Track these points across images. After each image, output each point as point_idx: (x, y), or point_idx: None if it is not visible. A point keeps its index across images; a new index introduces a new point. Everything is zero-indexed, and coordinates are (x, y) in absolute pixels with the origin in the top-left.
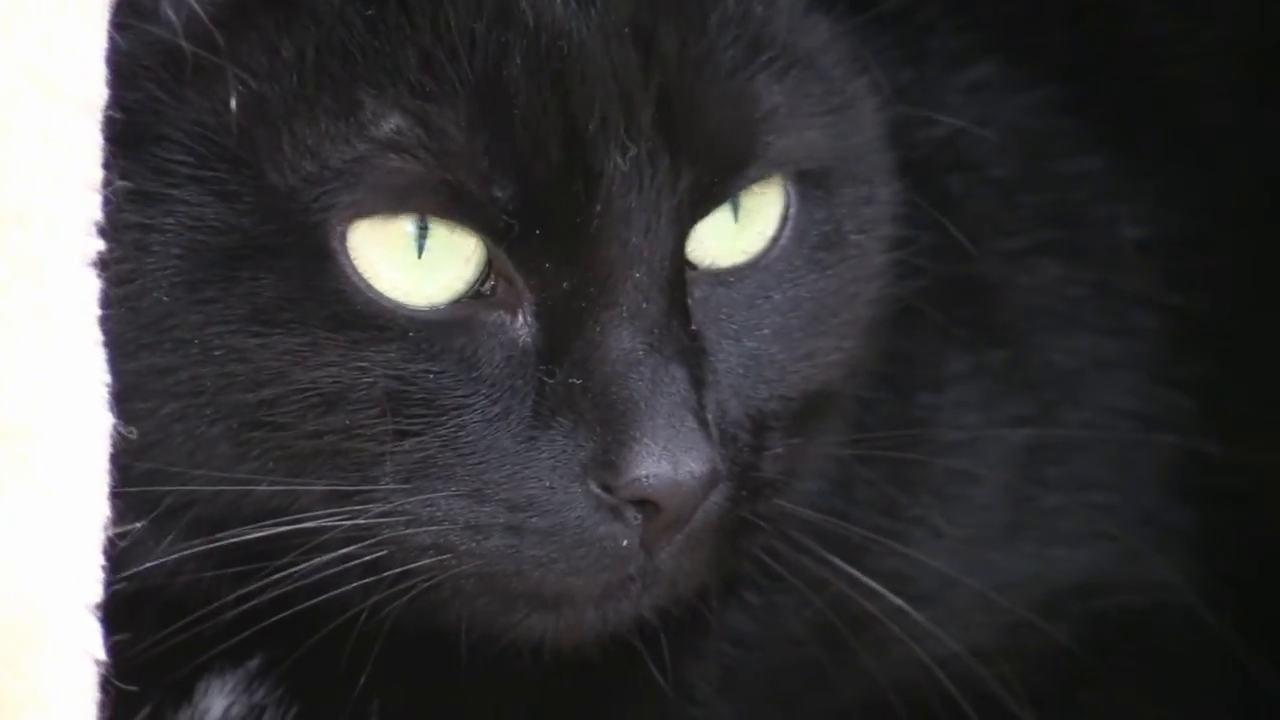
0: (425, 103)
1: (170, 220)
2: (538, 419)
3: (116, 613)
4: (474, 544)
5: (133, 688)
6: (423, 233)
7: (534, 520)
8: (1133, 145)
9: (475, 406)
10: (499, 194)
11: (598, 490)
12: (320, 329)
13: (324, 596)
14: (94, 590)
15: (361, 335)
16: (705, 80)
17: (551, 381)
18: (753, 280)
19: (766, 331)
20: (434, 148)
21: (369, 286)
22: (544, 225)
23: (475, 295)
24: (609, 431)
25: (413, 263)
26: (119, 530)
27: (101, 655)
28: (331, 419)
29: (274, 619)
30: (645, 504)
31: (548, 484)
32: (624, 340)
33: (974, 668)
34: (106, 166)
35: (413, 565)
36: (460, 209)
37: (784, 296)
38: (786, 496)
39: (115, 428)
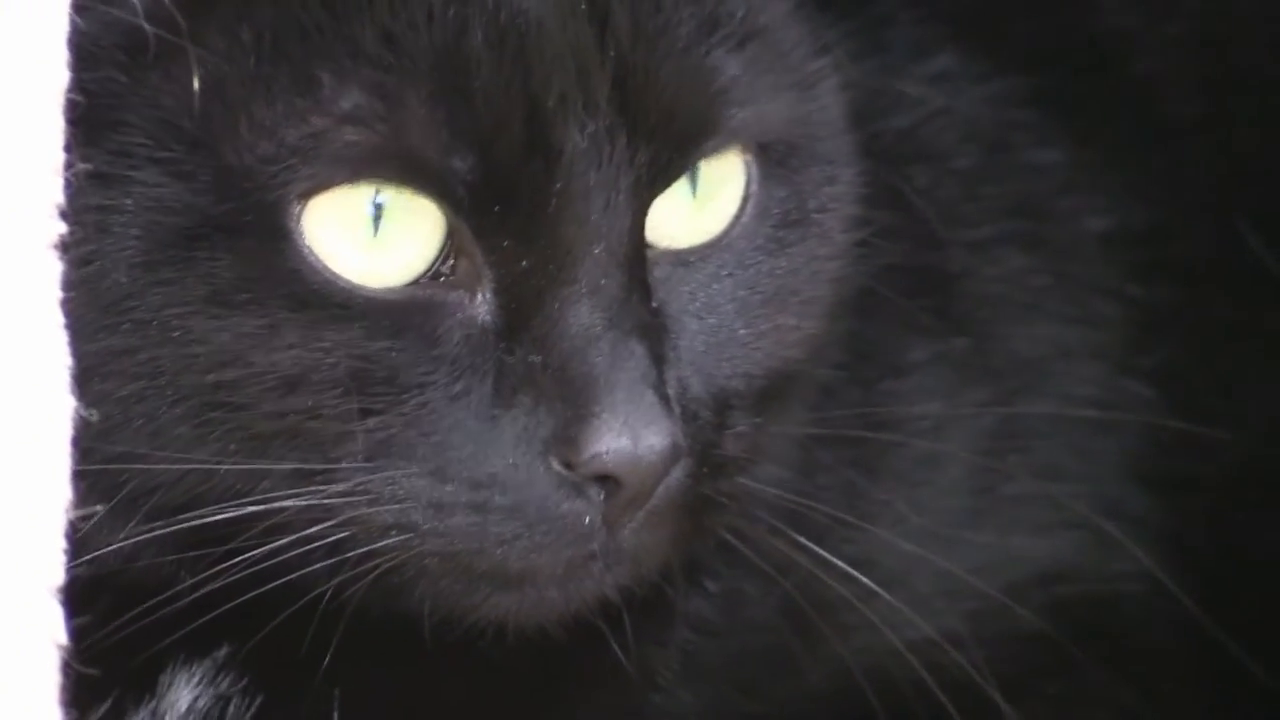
0: (384, 75)
1: (129, 202)
2: (499, 397)
3: (77, 596)
4: (437, 522)
5: (93, 671)
6: (378, 211)
7: (497, 498)
8: (1095, 137)
9: (437, 385)
10: (459, 165)
11: (559, 467)
12: (279, 310)
13: (288, 578)
14: (56, 573)
15: (321, 315)
16: (660, 55)
17: (511, 359)
18: (715, 259)
19: (729, 309)
20: (393, 119)
21: (325, 268)
22: (504, 200)
23: (435, 275)
24: (569, 408)
25: (369, 241)
26: (81, 513)
27: (63, 639)
28: (293, 400)
29: (239, 607)
30: (607, 480)
31: (510, 461)
32: (583, 316)
33: (945, 651)
34: (67, 149)
35: (376, 545)
36: (419, 177)
37: (746, 274)
38: (751, 476)
39: (76, 410)
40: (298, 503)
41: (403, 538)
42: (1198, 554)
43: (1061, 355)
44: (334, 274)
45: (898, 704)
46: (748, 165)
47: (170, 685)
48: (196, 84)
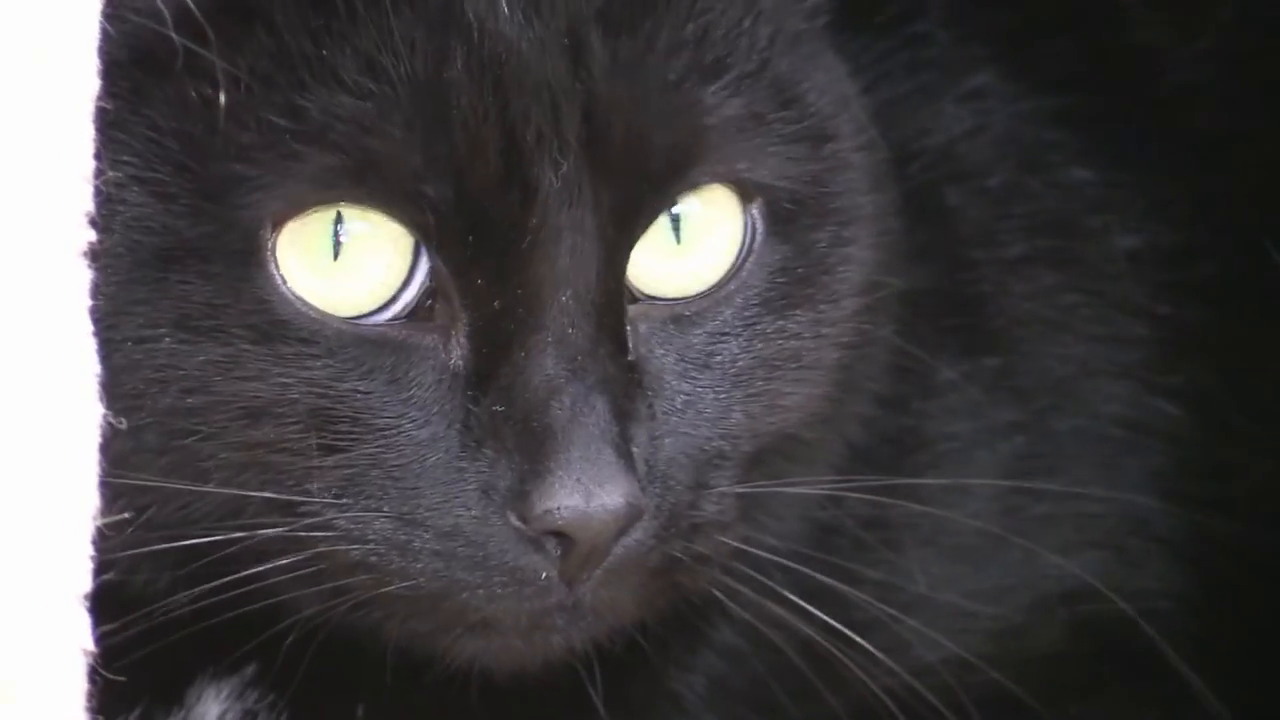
0: (364, 102)
1: (116, 220)
2: (464, 448)
3: (103, 603)
4: (403, 564)
5: (120, 678)
6: (337, 228)
7: (460, 548)
8: (1125, 155)
9: (403, 429)
10: (431, 192)
11: (516, 521)
12: (242, 340)
13: (273, 600)
14: (83, 580)
15: (286, 350)
16: (638, 91)
17: (477, 409)
18: (711, 315)
19: (718, 370)
20: (368, 144)
21: (295, 296)
22: (478, 233)
23: (413, 314)
24: (526, 462)
25: (330, 265)
26: (108, 520)
27: (90, 646)
28: (255, 432)
29: (263, 626)
30: (562, 536)
31: (474, 513)
32: (547, 366)
33: (968, 672)
34: (98, 157)
35: (345, 581)
36: (390, 201)
37: (742, 335)
38: (735, 535)
39: (105, 418)
40: (272, 533)
41: (370, 576)
42: (1224, 575)
43: (1090, 374)
44: (305, 303)
45: None
46: (750, 217)
47: (199, 699)
48: (223, 99)
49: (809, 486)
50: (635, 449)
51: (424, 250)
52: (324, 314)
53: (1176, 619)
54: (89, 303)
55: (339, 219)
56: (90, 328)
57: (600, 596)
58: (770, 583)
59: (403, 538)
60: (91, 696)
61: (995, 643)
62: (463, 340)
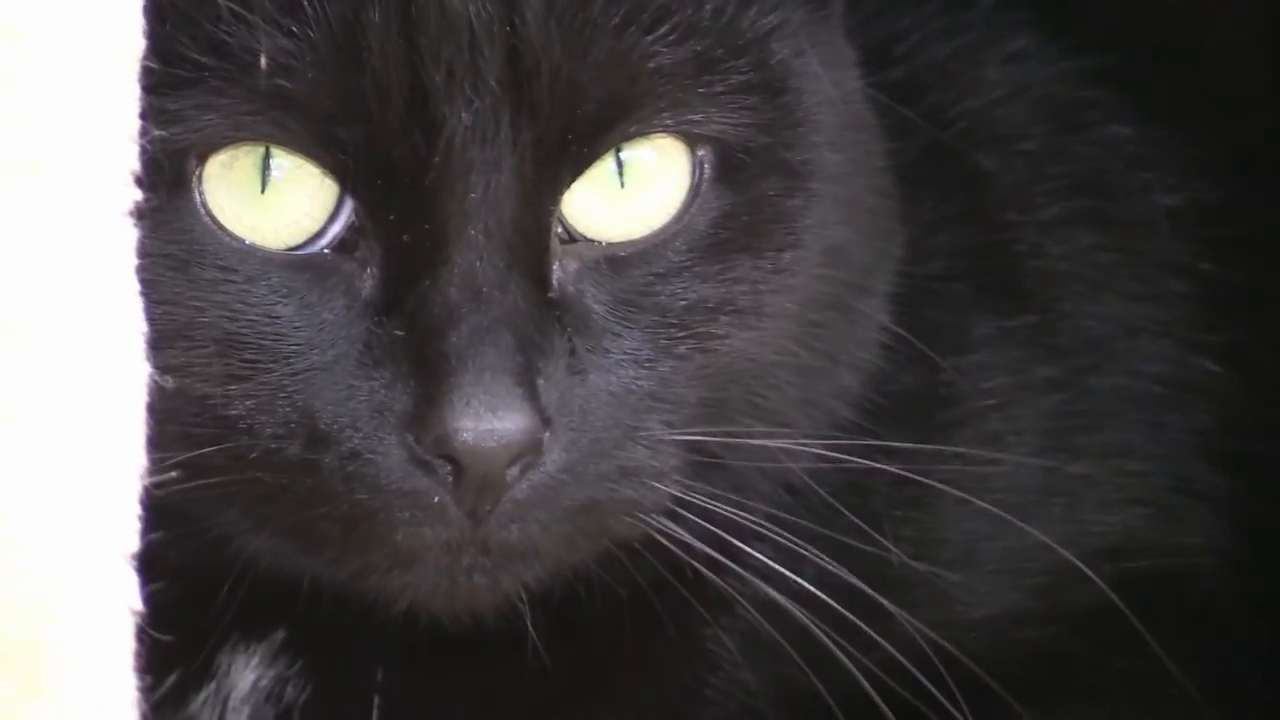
0: (286, 41)
1: None
2: (360, 367)
3: (152, 563)
4: (314, 487)
5: (168, 637)
6: (267, 168)
7: (358, 469)
8: (1166, 113)
9: (307, 355)
10: (344, 135)
11: (411, 443)
12: (165, 265)
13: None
14: (131, 540)
15: (202, 275)
16: (573, 37)
17: (379, 332)
18: (649, 257)
19: (652, 312)
20: (284, 87)
21: (219, 225)
22: (386, 173)
23: (340, 248)
24: (421, 385)
25: (256, 198)
26: (155, 479)
27: (138, 605)
28: (168, 357)
29: (290, 592)
30: (453, 461)
31: (363, 434)
32: (450, 296)
33: (1013, 627)
34: (143, 117)
35: (268, 510)
36: (306, 144)
37: (680, 278)
38: (676, 485)
39: (151, 377)
40: (201, 459)
41: (287, 504)
42: (1267, 532)
43: (1130, 333)
44: (229, 233)
45: (968, 678)
46: (697, 163)
47: (231, 666)
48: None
49: (768, 440)
50: (542, 381)
51: (346, 190)
52: (249, 245)
53: (1222, 576)
54: (135, 261)
55: (268, 153)
56: (137, 287)
57: (512, 533)
58: (741, 544)
59: (310, 462)
60: (139, 656)
61: (1038, 599)
62: (375, 270)
